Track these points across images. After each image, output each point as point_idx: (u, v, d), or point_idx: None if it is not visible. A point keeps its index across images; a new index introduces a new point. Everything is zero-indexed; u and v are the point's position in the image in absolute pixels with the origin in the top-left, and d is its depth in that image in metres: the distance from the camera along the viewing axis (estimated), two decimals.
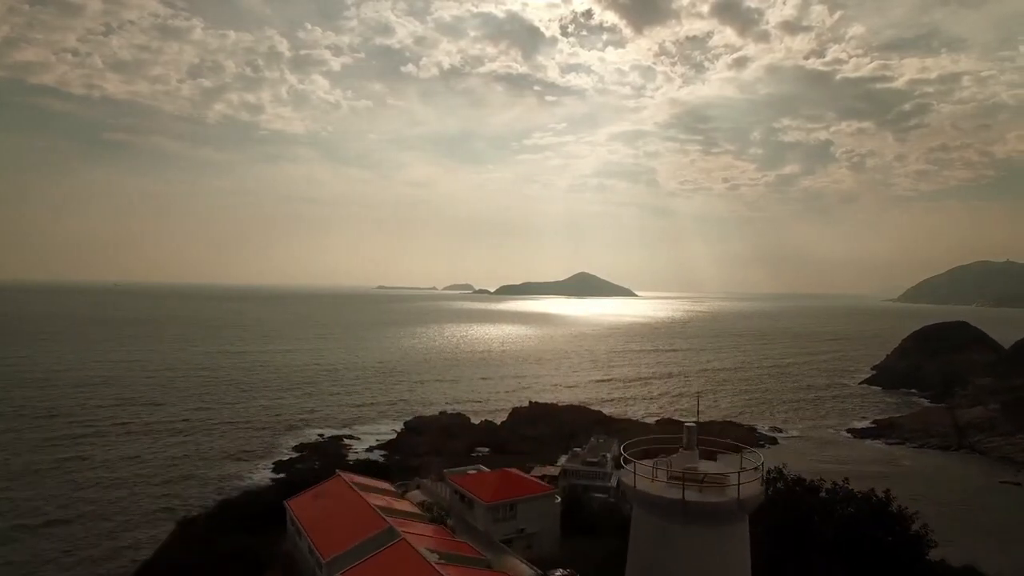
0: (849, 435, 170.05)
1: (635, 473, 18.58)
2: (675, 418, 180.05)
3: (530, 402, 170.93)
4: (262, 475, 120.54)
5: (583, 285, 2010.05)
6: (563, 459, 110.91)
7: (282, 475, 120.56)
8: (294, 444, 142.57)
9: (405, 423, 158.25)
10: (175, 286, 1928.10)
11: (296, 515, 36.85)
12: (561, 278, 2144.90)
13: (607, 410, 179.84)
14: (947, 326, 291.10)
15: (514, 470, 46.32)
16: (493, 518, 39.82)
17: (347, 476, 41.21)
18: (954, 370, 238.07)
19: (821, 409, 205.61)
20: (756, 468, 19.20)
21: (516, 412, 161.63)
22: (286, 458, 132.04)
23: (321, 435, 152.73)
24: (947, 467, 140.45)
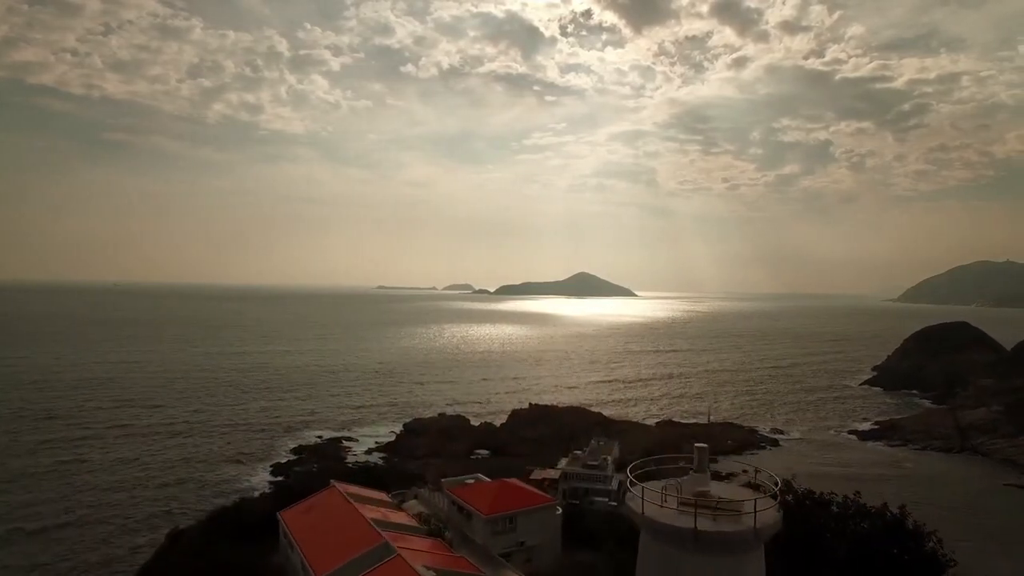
0: (851, 437, 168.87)
1: (643, 498, 17.47)
2: (676, 419, 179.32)
3: (530, 404, 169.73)
4: (260, 477, 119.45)
5: (583, 285, 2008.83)
6: (563, 462, 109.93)
7: (280, 478, 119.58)
8: (293, 446, 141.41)
9: (404, 425, 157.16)
10: (175, 286, 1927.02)
11: (289, 527, 35.78)
12: (561, 278, 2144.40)
13: (607, 412, 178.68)
14: (948, 327, 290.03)
15: (514, 480, 45.13)
16: (492, 531, 38.71)
17: (342, 486, 40.10)
18: (955, 371, 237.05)
19: (822, 410, 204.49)
20: (773, 494, 17.93)
21: (516, 414, 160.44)
22: (284, 460, 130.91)
23: (320, 437, 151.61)
24: (949, 469, 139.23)
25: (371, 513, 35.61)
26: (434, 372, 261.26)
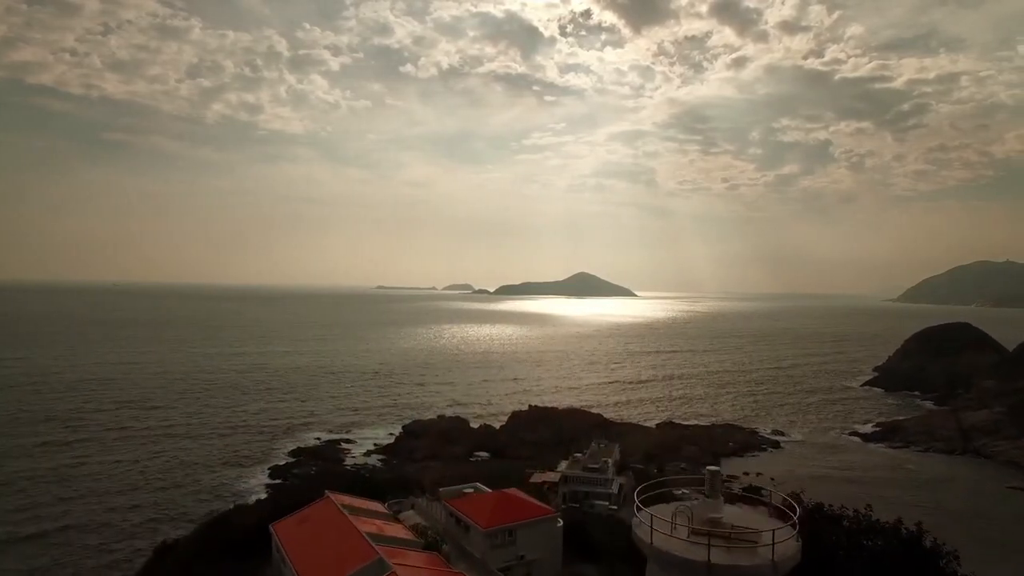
0: (853, 439, 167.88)
1: (651, 527, 16.29)
2: (676, 421, 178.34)
3: (530, 405, 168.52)
4: (258, 480, 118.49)
5: (583, 285, 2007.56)
6: (563, 465, 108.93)
7: (278, 481, 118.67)
8: (291, 448, 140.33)
9: (403, 427, 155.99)
10: (174, 286, 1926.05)
11: (281, 541, 34.71)
12: (561, 278, 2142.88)
13: (607, 413, 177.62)
14: (949, 327, 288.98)
15: (513, 491, 43.94)
16: (491, 544, 37.57)
17: (336, 497, 39.00)
18: (957, 372, 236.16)
19: (823, 412, 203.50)
20: (793, 524, 16.71)
21: (516, 415, 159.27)
22: (282, 463, 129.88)
23: (318, 439, 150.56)
24: (952, 472, 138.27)
25: (366, 526, 34.51)
26: (433, 373, 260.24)
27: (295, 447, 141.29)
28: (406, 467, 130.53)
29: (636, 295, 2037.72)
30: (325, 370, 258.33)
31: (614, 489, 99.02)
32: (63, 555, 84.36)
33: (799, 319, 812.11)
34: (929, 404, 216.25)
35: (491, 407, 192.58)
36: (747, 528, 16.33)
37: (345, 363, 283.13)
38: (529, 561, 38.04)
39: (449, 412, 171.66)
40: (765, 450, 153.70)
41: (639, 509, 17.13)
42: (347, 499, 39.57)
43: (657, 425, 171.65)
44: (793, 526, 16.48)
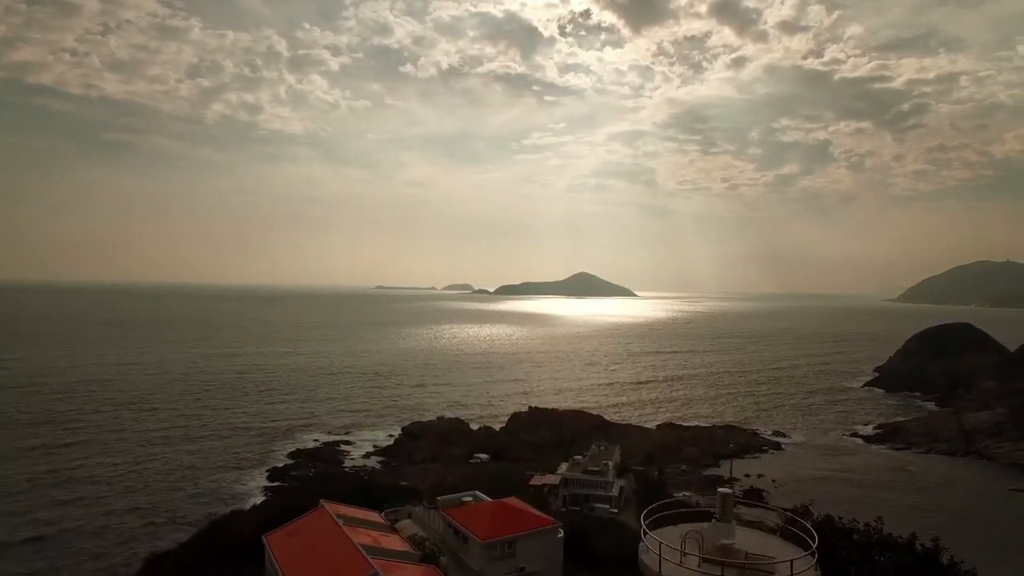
0: (854, 440, 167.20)
1: (660, 555, 15.31)
2: (676, 422, 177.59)
3: (530, 407, 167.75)
4: (256, 483, 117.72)
5: (583, 285, 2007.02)
6: (563, 467, 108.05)
7: (276, 483, 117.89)
8: (290, 450, 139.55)
9: (403, 428, 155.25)
10: (173, 286, 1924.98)
11: (274, 553, 33.86)
12: (561, 278, 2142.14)
13: (608, 414, 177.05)
14: (950, 327, 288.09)
15: (513, 500, 43.04)
16: (490, 556, 36.67)
17: (331, 507, 38.11)
18: (958, 373, 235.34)
19: (824, 413, 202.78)
20: (812, 552, 15.76)
21: (515, 417, 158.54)
22: (281, 465, 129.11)
23: (317, 441, 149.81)
24: (954, 474, 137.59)
25: (362, 538, 33.64)
26: (433, 374, 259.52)
27: (294, 449, 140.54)
28: (405, 469, 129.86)
29: (636, 295, 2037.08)
30: (324, 371, 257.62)
31: (615, 492, 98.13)
32: (61, 559, 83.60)
33: (799, 319, 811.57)
34: (930, 405, 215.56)
35: (491, 408, 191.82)
36: (763, 556, 15.41)
37: (344, 364, 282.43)
38: (529, 573, 37.10)
39: (449, 413, 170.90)
40: (766, 451, 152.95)
41: (646, 533, 16.17)
42: (342, 509, 38.69)
43: (657, 426, 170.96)
44: (812, 554, 15.57)
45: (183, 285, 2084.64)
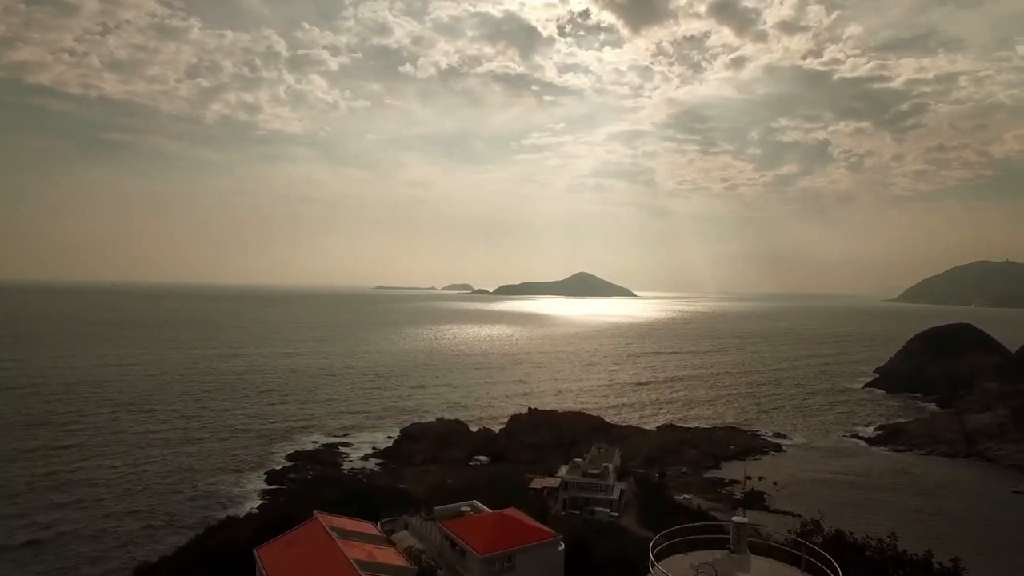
0: (855, 442, 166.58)
1: None
2: (676, 423, 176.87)
3: (529, 408, 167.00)
4: (254, 485, 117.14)
5: (582, 285, 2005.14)
6: (563, 470, 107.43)
7: (274, 486, 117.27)
8: (289, 452, 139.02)
9: (402, 430, 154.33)
10: (173, 286, 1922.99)
11: (265, 567, 33.02)
12: (560, 278, 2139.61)
13: (608, 416, 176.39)
14: (950, 328, 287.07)
15: (512, 511, 42.23)
16: (488, 571, 35.80)
17: (325, 519, 37.30)
18: (959, 373, 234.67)
19: (825, 414, 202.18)
20: None
21: (515, 419, 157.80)
22: (279, 467, 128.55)
23: (316, 442, 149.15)
24: (956, 476, 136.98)
25: (356, 552, 32.87)
26: (432, 375, 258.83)
27: (293, 451, 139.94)
28: (404, 471, 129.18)
29: (636, 295, 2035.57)
30: (324, 372, 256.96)
31: (615, 495, 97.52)
32: (58, 562, 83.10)
33: (799, 319, 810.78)
34: (931, 406, 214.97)
35: (490, 410, 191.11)
36: None
37: (344, 364, 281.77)
38: None
39: (448, 415, 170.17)
40: (767, 453, 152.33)
41: (653, 565, 15.32)
42: (336, 520, 37.91)
43: (658, 428, 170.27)
44: None
45: (182, 285, 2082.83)
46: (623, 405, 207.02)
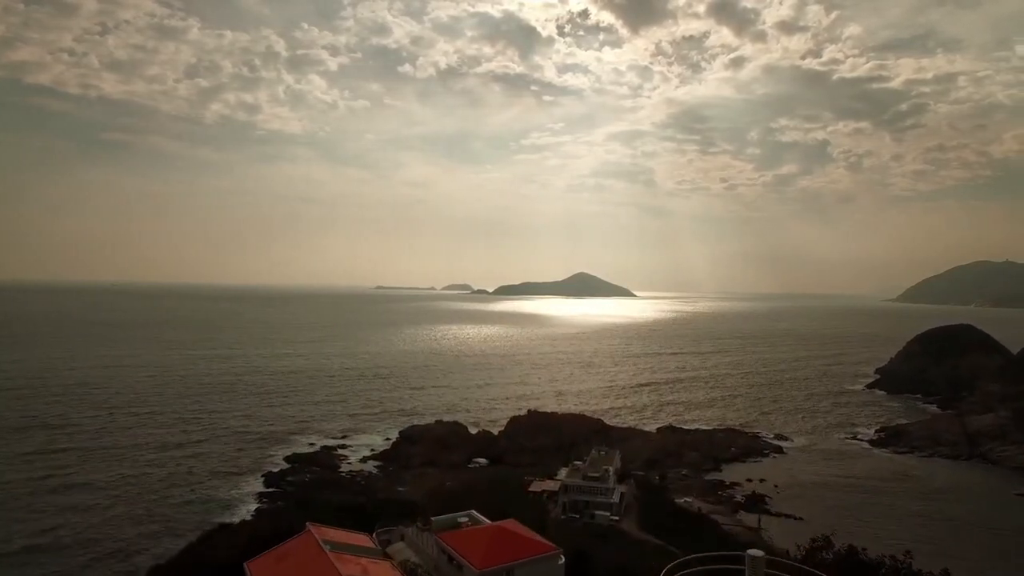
0: (856, 444, 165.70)
1: None
2: (676, 425, 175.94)
3: (529, 410, 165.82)
4: (252, 488, 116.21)
5: (582, 285, 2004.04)
6: (563, 472, 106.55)
7: (272, 489, 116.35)
8: (287, 454, 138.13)
9: (400, 432, 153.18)
10: (172, 286, 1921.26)
11: None
12: (560, 278, 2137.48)
13: (608, 418, 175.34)
14: (951, 329, 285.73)
15: (511, 523, 41.16)
16: None
17: (318, 531, 36.24)
18: (960, 374, 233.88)
19: (825, 415, 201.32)
20: None
21: (515, 421, 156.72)
22: (277, 470, 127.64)
23: (313, 445, 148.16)
24: (958, 478, 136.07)
25: (349, 567, 31.85)
26: (432, 376, 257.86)
27: (290, 453, 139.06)
28: (403, 474, 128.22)
29: (635, 295, 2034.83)
30: (323, 372, 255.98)
31: (615, 499, 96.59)
32: (54, 566, 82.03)
33: (799, 319, 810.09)
34: (932, 408, 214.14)
35: (490, 412, 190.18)
36: None
37: (343, 365, 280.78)
38: None
39: (447, 417, 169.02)
40: (768, 455, 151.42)
41: None
42: (330, 532, 36.90)
43: (658, 429, 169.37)
44: None
45: (182, 285, 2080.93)
46: (623, 407, 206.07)
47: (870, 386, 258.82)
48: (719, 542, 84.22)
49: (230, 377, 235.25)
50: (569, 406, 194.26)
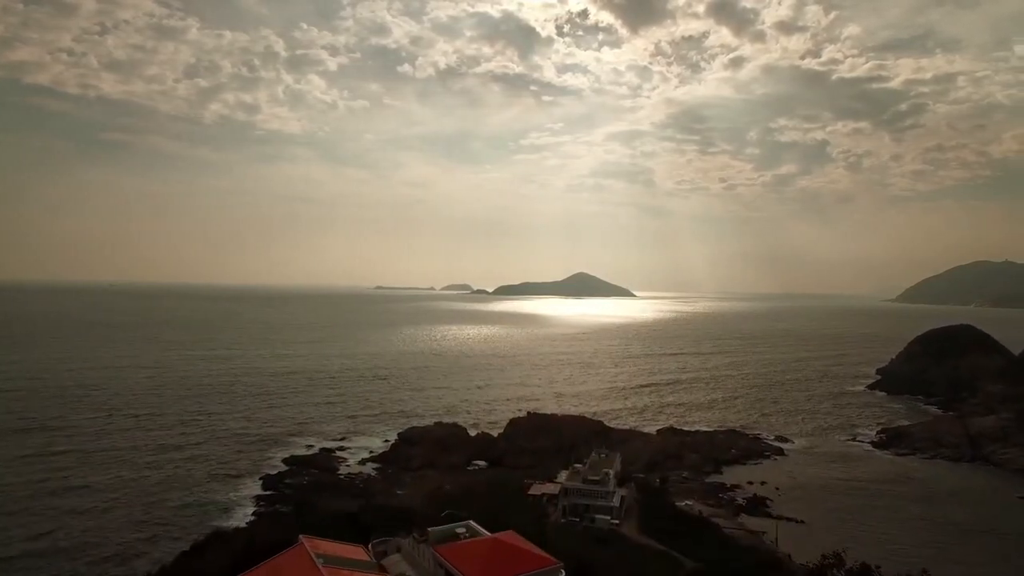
0: (857, 445, 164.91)
1: None
2: (677, 427, 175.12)
3: (528, 412, 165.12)
4: (250, 491, 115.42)
5: (582, 285, 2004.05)
6: (563, 475, 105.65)
7: (269, 491, 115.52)
8: (285, 456, 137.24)
9: (399, 434, 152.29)
10: (172, 286, 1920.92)
11: None
12: (559, 278, 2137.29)
13: (608, 419, 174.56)
14: (952, 329, 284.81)
15: (510, 535, 40.20)
16: None
17: (311, 544, 35.32)
18: (960, 375, 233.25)
19: (826, 417, 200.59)
20: None
21: (514, 423, 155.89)
22: (275, 472, 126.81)
23: (312, 446, 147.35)
24: (960, 481, 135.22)
25: None
26: (431, 377, 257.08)
27: (288, 455, 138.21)
28: (402, 477, 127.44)
29: (635, 295, 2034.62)
30: (322, 374, 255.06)
31: (615, 502, 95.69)
32: (55, 573, 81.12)
33: (798, 320, 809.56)
34: (934, 409, 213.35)
35: (489, 413, 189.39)
36: None
37: (342, 366, 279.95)
38: None
39: (446, 418, 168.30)
40: (768, 457, 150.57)
41: None
42: (323, 545, 35.98)
43: (658, 431, 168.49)
44: None
45: (181, 285, 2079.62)
46: (623, 408, 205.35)
47: (871, 387, 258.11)
48: (720, 546, 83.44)
49: (229, 378, 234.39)
50: (569, 407, 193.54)
